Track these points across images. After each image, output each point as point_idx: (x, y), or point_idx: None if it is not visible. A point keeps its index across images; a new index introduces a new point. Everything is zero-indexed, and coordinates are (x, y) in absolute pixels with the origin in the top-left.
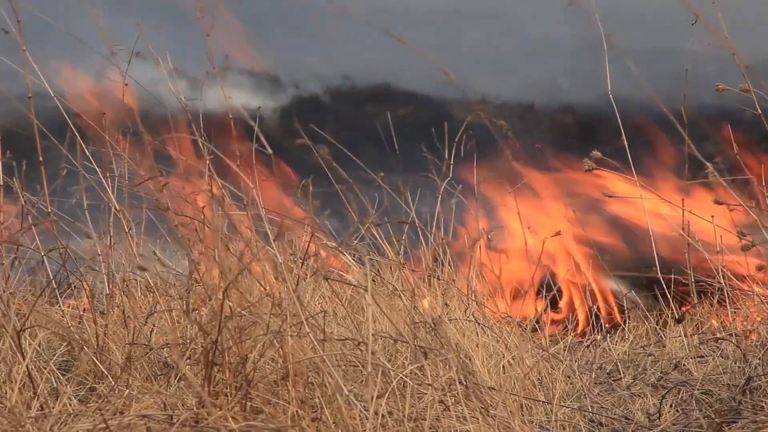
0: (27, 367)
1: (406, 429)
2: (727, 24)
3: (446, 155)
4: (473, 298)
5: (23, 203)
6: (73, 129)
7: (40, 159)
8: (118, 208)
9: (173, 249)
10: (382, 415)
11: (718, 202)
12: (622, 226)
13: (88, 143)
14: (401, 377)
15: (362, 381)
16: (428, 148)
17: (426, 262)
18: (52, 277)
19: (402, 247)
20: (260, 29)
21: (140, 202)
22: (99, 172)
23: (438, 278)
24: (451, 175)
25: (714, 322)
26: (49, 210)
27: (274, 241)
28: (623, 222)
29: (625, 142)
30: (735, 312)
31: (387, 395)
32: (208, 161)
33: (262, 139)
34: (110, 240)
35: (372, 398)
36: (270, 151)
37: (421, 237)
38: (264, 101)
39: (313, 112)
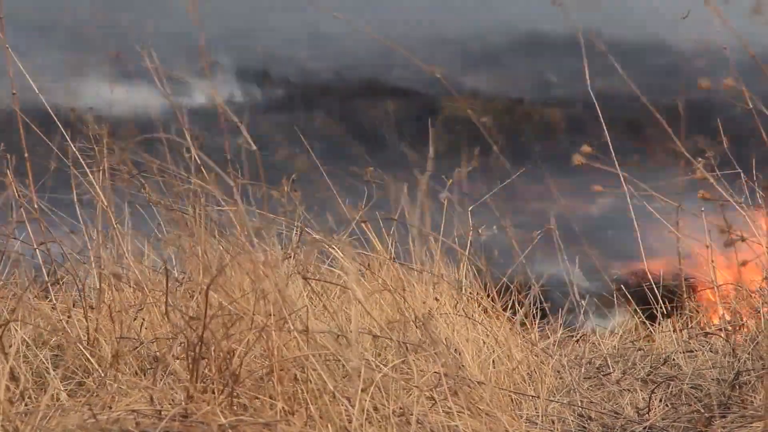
0: (10, 362)
1: (392, 424)
2: (717, 20)
3: (430, 151)
4: (463, 292)
5: (16, 196)
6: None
7: (26, 155)
8: (105, 204)
9: (161, 245)
10: (368, 411)
11: (704, 198)
12: (609, 223)
13: (76, 139)
14: (386, 372)
15: (345, 376)
16: (416, 142)
17: (415, 257)
18: (41, 271)
19: (392, 242)
20: (250, 24)
21: (130, 198)
22: (95, 166)
23: (430, 273)
24: (431, 170)
25: (703, 317)
26: (38, 204)
27: (256, 237)
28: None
29: (608, 138)
30: (724, 307)
31: (372, 390)
32: (195, 156)
33: (246, 135)
34: (98, 235)
35: (357, 393)
36: (254, 147)
37: (410, 232)
38: (253, 96)
39: (302, 107)
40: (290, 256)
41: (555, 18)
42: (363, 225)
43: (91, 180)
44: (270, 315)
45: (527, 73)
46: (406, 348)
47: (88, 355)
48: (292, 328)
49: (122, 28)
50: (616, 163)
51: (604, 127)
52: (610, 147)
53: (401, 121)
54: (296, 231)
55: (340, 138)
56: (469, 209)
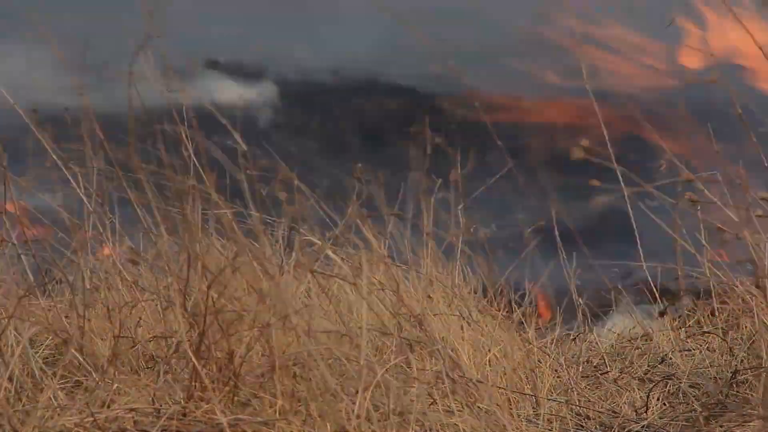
0: (7, 360)
1: (391, 423)
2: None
3: (428, 149)
4: (457, 292)
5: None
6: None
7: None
8: (92, 208)
9: (153, 244)
10: (368, 409)
11: (691, 201)
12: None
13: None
14: (387, 370)
15: (345, 375)
16: (413, 141)
17: (409, 256)
18: (35, 272)
19: (386, 241)
20: (247, 22)
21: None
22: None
23: (421, 273)
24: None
25: (700, 315)
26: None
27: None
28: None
29: (606, 135)
30: (721, 305)
31: (372, 388)
32: (191, 155)
33: (236, 135)
34: (88, 235)
35: (359, 392)
36: (245, 147)
37: (403, 230)
38: (250, 95)
39: (300, 106)
40: (289, 253)
41: (552, 18)
42: (359, 223)
43: (80, 180)
44: (270, 311)
45: (526, 73)
46: (410, 346)
47: (84, 355)
48: (292, 325)
49: (120, 27)
50: (612, 158)
51: (602, 125)
52: (608, 145)
53: (399, 120)
54: (285, 230)
55: (338, 136)
56: (459, 207)
